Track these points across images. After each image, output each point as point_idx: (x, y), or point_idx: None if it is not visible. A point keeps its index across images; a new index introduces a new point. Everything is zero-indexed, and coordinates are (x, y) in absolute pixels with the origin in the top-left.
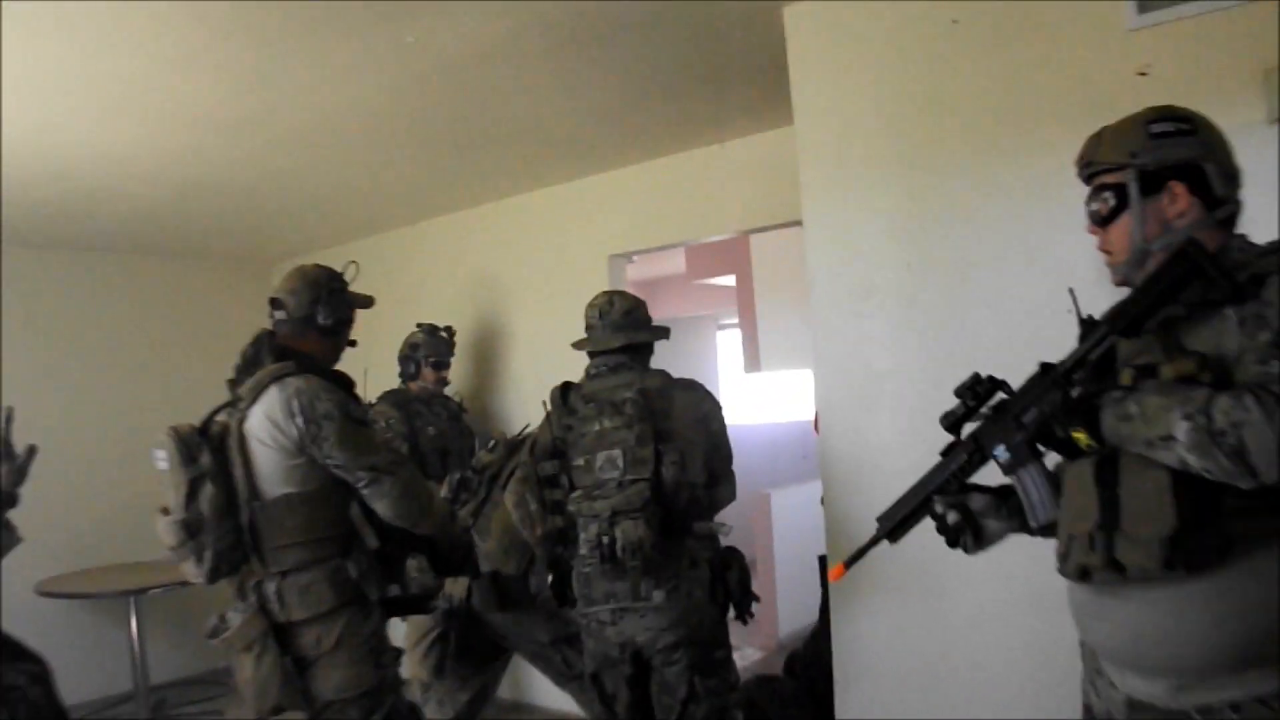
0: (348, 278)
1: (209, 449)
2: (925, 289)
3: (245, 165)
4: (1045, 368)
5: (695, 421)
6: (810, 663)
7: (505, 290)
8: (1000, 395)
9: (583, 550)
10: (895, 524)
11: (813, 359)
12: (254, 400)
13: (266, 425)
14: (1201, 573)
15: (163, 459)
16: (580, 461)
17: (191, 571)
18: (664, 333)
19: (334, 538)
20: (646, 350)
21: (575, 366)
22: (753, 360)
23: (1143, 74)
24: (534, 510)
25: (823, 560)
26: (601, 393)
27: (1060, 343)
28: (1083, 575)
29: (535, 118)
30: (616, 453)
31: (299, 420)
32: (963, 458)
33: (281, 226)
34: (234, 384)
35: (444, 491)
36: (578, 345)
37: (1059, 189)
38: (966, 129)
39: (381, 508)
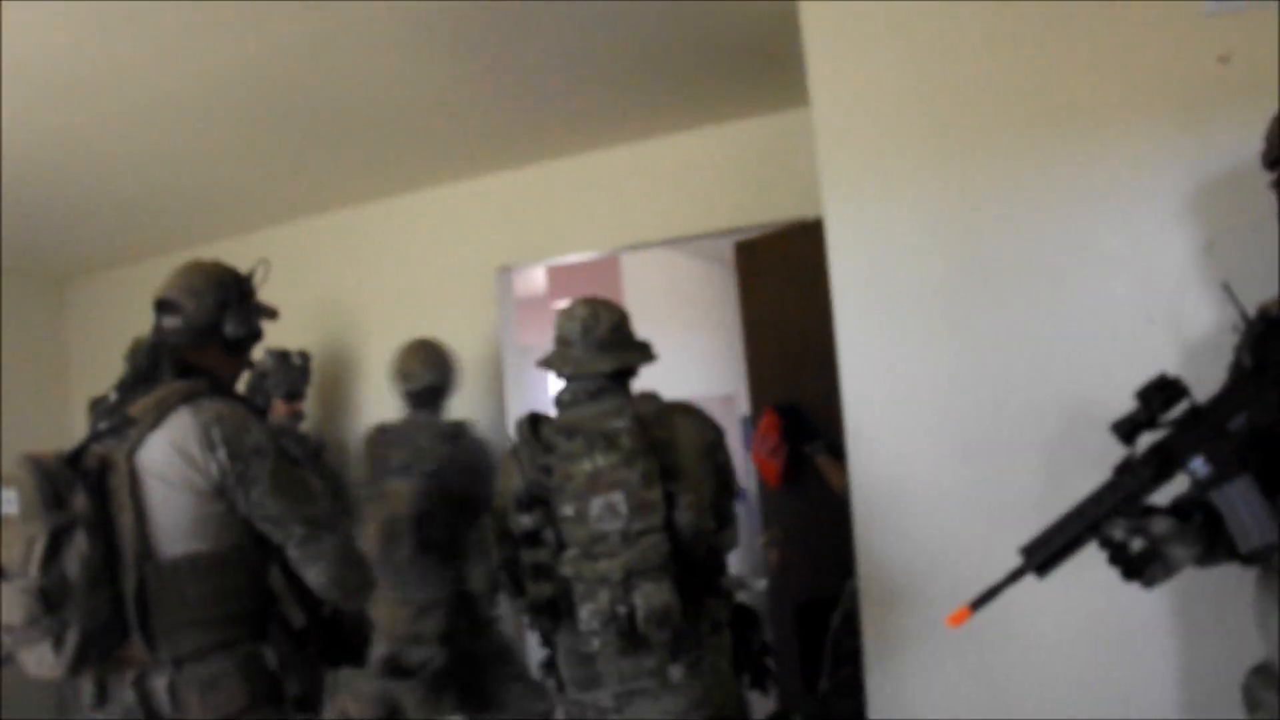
0: (256, 280)
1: (84, 488)
2: (970, 294)
3: (28, 159)
4: (1259, 367)
5: (702, 453)
6: None
7: (361, 309)
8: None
9: (585, 624)
10: (1052, 553)
11: (841, 377)
12: (154, 425)
13: (174, 459)
14: None
15: (9, 501)
16: (569, 511)
17: (44, 661)
18: (653, 354)
19: (247, 614)
20: (631, 371)
21: None
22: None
23: (1223, 60)
24: (515, 579)
25: (801, 609)
26: (585, 423)
27: (1135, 353)
28: None
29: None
30: (617, 497)
31: (221, 454)
32: (1146, 473)
33: (76, 235)
34: (118, 404)
35: None
36: (547, 364)
37: (1128, 184)
38: (1020, 117)
39: (315, 573)
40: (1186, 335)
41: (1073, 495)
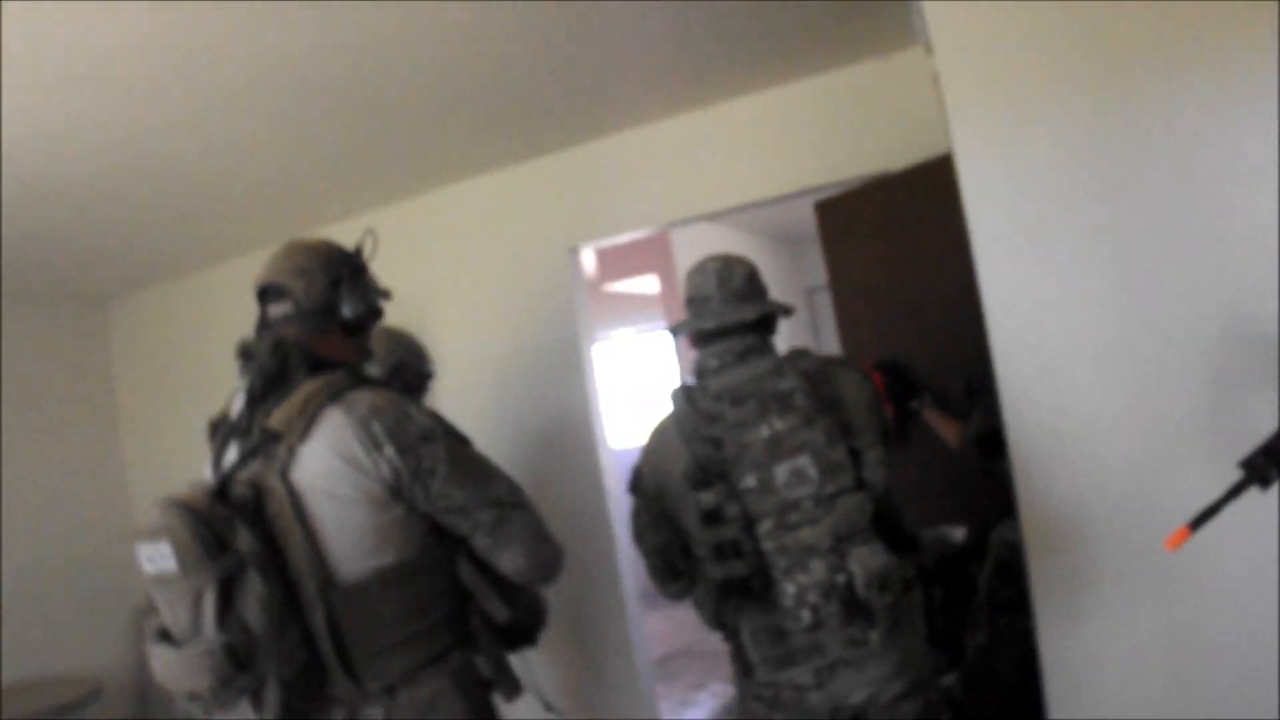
0: (366, 253)
1: (244, 523)
2: (1113, 217)
3: (72, 172)
4: None
5: (869, 408)
6: (980, 683)
7: (429, 302)
8: None
9: (796, 598)
10: (1275, 466)
11: (986, 316)
12: (305, 435)
13: (338, 467)
14: None
15: (164, 555)
16: (752, 481)
17: None
18: (790, 307)
19: (447, 620)
20: (773, 324)
21: None
22: (687, 367)
23: None
24: (670, 562)
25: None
26: (748, 387)
27: None
28: None
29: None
30: (804, 461)
31: (389, 451)
32: None
33: (121, 250)
34: (250, 419)
35: None
36: (682, 327)
37: (1269, 90)
38: (1150, 29)
39: (510, 557)
40: None
41: (1237, 415)
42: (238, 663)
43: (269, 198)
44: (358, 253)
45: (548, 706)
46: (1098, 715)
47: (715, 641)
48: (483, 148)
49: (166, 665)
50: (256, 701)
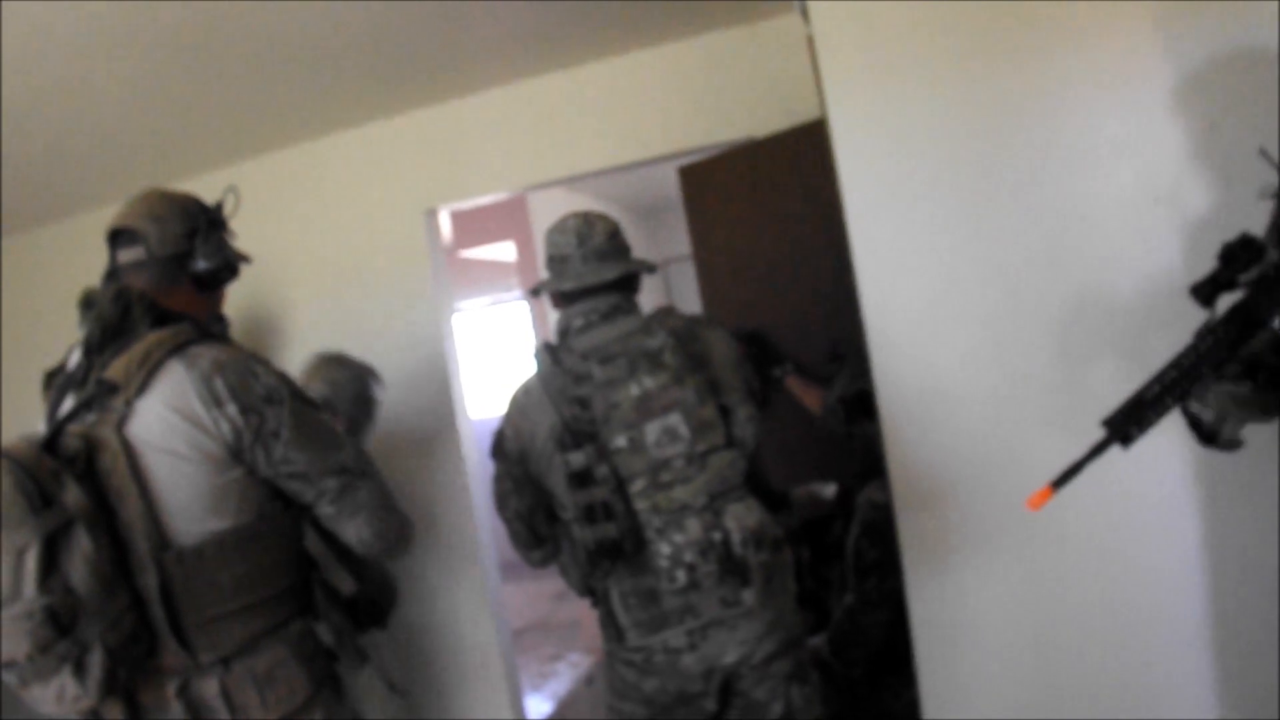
0: (226, 210)
1: (72, 478)
2: (981, 187)
3: None
4: None
5: (736, 365)
6: (847, 643)
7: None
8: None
9: (672, 557)
10: (1138, 423)
11: (857, 281)
12: (143, 388)
13: (176, 423)
14: None
15: None
16: (622, 441)
17: (66, 694)
18: (653, 265)
19: (289, 590)
20: (636, 283)
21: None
22: (545, 336)
23: None
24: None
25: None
26: (616, 345)
27: (1144, 234)
28: None
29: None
30: (675, 418)
31: (230, 409)
32: (1229, 335)
33: None
34: (86, 370)
35: None
36: (543, 286)
37: (1131, 68)
38: (1022, 6)
39: (355, 528)
40: (1190, 215)
41: (1092, 380)
42: (59, 626)
43: (108, 148)
44: (218, 208)
45: (391, 686)
46: (966, 669)
47: (569, 613)
48: (338, 104)
49: None
50: (79, 670)
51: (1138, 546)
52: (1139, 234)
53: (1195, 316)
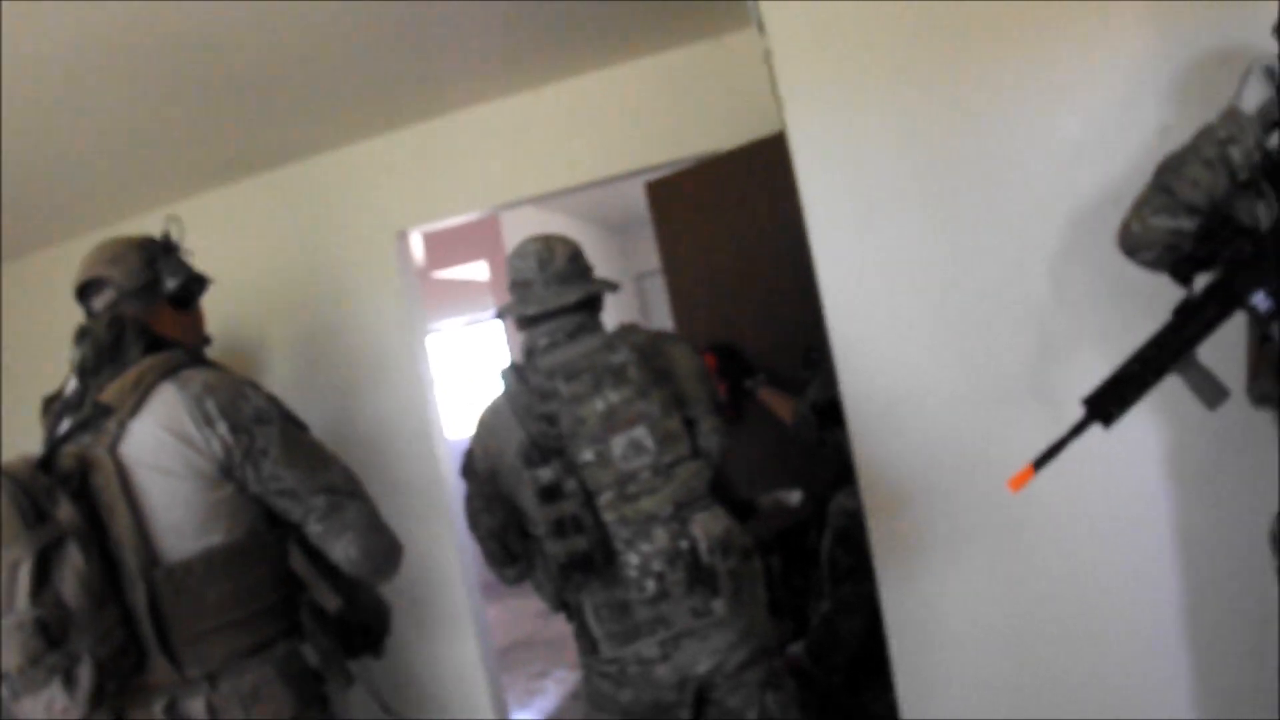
0: (174, 236)
1: (66, 495)
2: (941, 191)
3: None
4: None
5: (699, 378)
6: (826, 650)
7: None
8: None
9: (641, 568)
10: (1118, 401)
11: (820, 288)
12: (136, 410)
13: (168, 443)
14: None
15: None
16: (589, 455)
17: (55, 705)
18: (615, 284)
19: (275, 608)
20: (598, 303)
21: None
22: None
23: None
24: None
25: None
26: (582, 362)
27: (1103, 232)
28: None
29: (289, 69)
30: (640, 432)
31: (221, 428)
32: (1209, 312)
33: None
34: (82, 394)
35: None
36: (507, 310)
37: (1085, 72)
38: (977, 11)
39: (342, 547)
40: None
41: (1057, 380)
42: (49, 639)
43: (79, 179)
44: (166, 237)
45: (385, 708)
46: (941, 671)
47: (555, 630)
48: (308, 129)
49: None
50: (68, 682)
51: (1110, 543)
52: (1098, 235)
53: (1160, 313)
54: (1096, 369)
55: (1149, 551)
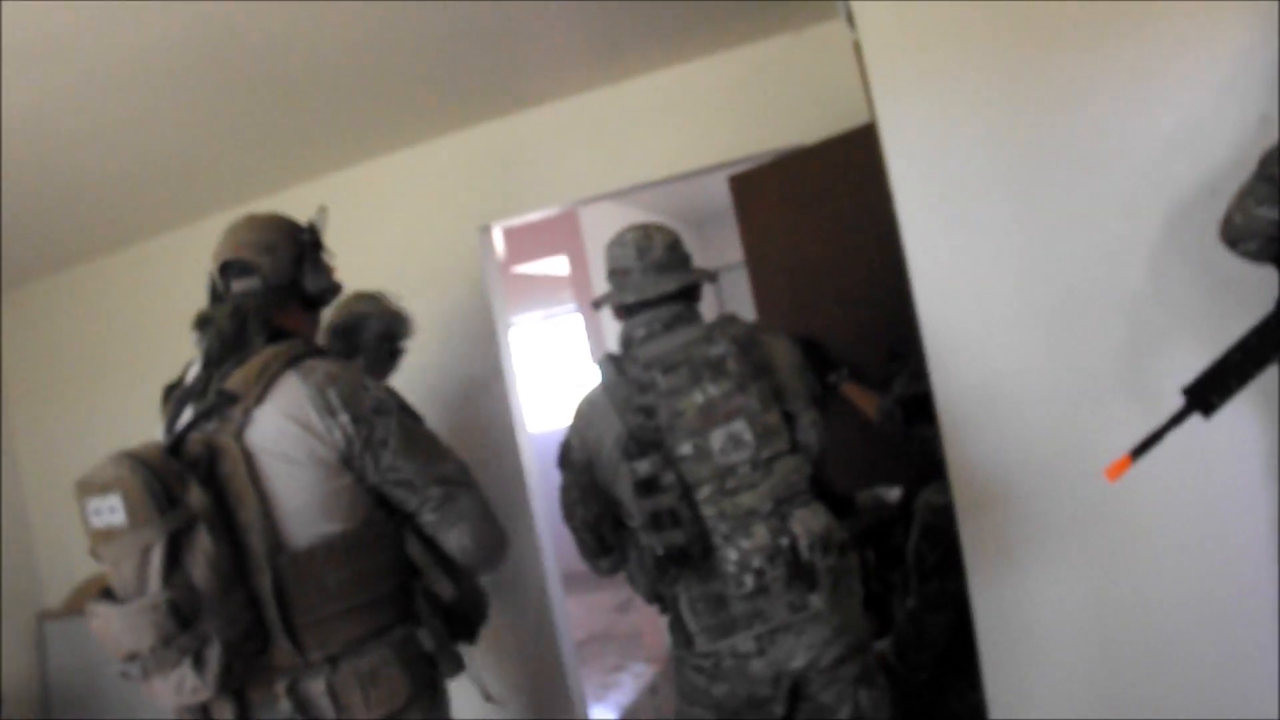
0: (320, 228)
1: (196, 480)
2: (1034, 184)
3: None
4: None
5: (799, 371)
6: (911, 647)
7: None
8: None
9: (740, 563)
10: (1220, 390)
11: (912, 283)
12: (261, 398)
13: (292, 431)
14: None
15: (113, 509)
16: (687, 449)
17: (185, 685)
18: (714, 274)
19: (392, 594)
20: (697, 292)
21: None
22: (600, 349)
23: None
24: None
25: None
26: (680, 354)
27: (1202, 225)
28: None
29: (373, 66)
30: (739, 425)
31: (344, 418)
32: None
33: (12, 239)
34: (206, 381)
35: None
36: (604, 300)
37: (1179, 62)
38: (1064, 12)
39: (456, 536)
40: None
41: (1153, 375)
42: (181, 620)
43: (163, 180)
44: (313, 228)
45: (487, 696)
46: (1032, 673)
47: (631, 624)
48: (392, 125)
49: (107, 624)
50: (198, 663)
51: (1206, 543)
52: (1195, 226)
53: (1256, 307)
54: (1192, 365)
55: (1247, 552)
